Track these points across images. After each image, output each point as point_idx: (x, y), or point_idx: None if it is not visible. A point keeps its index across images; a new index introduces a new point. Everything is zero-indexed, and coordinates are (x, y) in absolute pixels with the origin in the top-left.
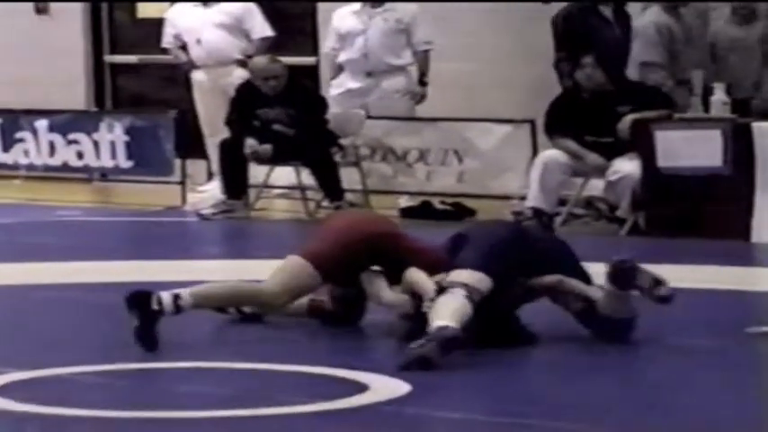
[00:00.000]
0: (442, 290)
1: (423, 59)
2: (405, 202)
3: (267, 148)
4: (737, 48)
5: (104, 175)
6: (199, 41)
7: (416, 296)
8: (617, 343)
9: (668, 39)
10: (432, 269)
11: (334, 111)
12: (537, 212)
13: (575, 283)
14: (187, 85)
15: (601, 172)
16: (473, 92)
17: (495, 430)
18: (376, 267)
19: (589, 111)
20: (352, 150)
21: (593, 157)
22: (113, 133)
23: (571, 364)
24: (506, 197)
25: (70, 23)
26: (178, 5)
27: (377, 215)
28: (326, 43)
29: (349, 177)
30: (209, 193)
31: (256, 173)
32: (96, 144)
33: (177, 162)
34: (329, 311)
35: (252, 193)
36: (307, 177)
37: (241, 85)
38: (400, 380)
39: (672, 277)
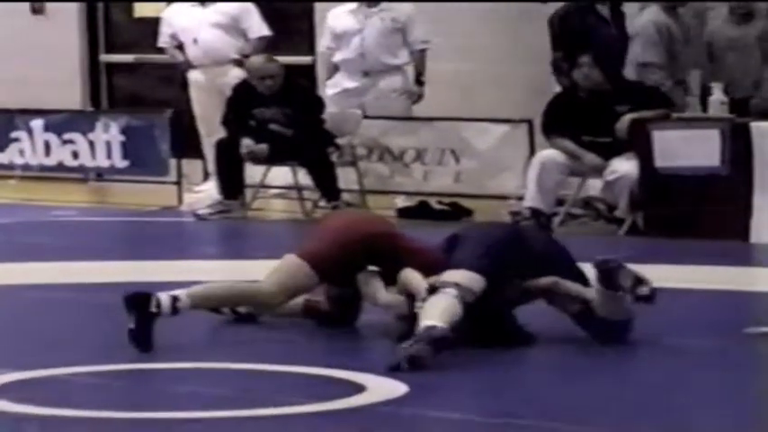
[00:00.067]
0: (433, 290)
1: (419, 59)
2: (402, 201)
3: (264, 147)
4: (735, 47)
5: (100, 174)
6: (195, 41)
7: (411, 296)
8: (614, 344)
9: (668, 39)
10: (428, 269)
11: (330, 110)
12: (534, 212)
13: (570, 285)
14: (184, 84)
15: (598, 172)
16: (470, 91)
17: (492, 431)
18: (373, 267)
19: (586, 110)
20: (349, 150)
21: (591, 157)
22: (109, 133)
23: (568, 364)
24: (504, 197)
25: (66, 23)
26: (175, 5)
27: (374, 215)
28: (321, 42)
29: (346, 177)
30: (205, 193)
31: (253, 173)
32: (92, 144)
33: (173, 162)
34: (325, 312)
35: (248, 193)
36: (303, 177)
37: (238, 85)
38: (397, 380)
39: (670, 277)
